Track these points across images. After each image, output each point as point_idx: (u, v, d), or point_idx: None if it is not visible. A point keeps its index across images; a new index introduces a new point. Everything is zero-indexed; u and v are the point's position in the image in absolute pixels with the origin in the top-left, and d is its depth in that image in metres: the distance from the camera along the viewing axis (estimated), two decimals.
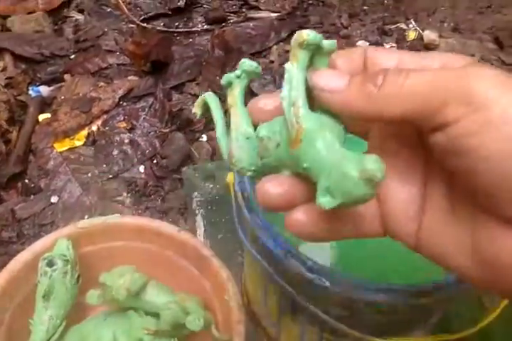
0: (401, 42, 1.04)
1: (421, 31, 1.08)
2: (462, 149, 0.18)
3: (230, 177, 0.41)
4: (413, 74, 0.19)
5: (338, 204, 0.20)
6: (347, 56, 0.23)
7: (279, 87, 0.67)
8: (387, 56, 0.22)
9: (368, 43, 1.03)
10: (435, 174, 0.22)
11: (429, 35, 1.05)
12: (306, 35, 0.21)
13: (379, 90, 0.20)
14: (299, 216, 0.22)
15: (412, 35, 1.09)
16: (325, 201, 0.20)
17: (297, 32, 0.22)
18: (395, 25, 1.11)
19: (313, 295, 0.36)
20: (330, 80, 0.21)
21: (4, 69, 0.93)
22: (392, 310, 0.36)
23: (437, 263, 0.22)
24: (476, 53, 1.01)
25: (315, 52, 0.22)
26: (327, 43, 0.22)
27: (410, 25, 1.11)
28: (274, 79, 0.93)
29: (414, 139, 0.22)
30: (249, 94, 0.89)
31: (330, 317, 0.38)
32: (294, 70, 0.22)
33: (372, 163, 0.18)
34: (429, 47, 1.03)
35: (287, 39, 1.05)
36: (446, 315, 0.42)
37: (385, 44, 1.04)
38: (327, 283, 0.34)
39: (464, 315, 0.41)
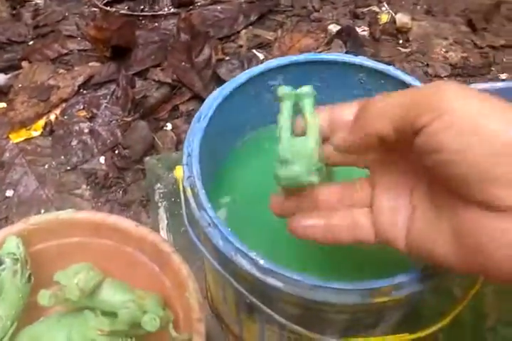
0: (373, 26, 1.02)
1: (393, 14, 1.05)
2: (437, 146, 0.23)
3: (179, 172, 0.39)
4: (394, 94, 0.26)
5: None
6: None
7: None
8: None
9: (339, 27, 1.00)
10: (419, 184, 0.28)
11: (402, 18, 1.03)
12: (282, 91, 0.33)
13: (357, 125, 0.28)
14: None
15: (384, 18, 1.06)
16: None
17: (277, 88, 0.34)
18: (367, 8, 1.09)
19: (267, 295, 0.34)
20: None
21: None
22: (350, 310, 0.34)
23: (425, 259, 0.27)
24: (448, 36, 0.99)
25: (298, 98, 0.33)
26: (305, 90, 0.33)
27: (383, 8, 1.09)
28: (242, 64, 0.90)
29: (402, 164, 0.29)
30: (217, 79, 0.86)
31: (287, 316, 0.36)
32: (281, 119, 0.33)
33: None
34: (401, 30, 1.01)
35: (256, 23, 1.02)
36: (414, 308, 0.40)
37: (357, 28, 1.01)
38: (280, 284, 0.32)
39: (433, 308, 0.40)
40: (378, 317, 0.37)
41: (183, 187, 0.38)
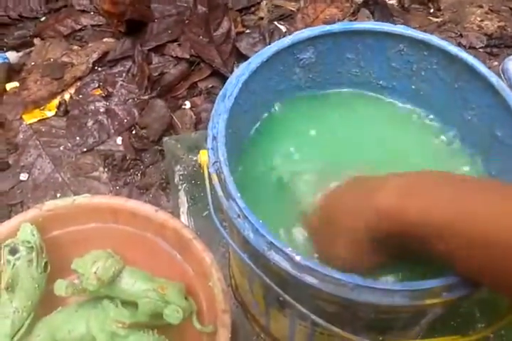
0: None
1: None
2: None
3: (203, 156, 0.35)
4: None
5: None
6: None
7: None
8: None
9: None
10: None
11: None
12: None
13: None
14: None
15: None
16: None
17: None
18: None
19: (301, 292, 0.31)
20: None
21: None
22: (393, 311, 0.31)
23: None
24: (483, 4, 0.92)
25: None
26: None
27: None
28: (264, 37, 0.85)
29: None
30: (237, 54, 0.82)
31: (321, 312, 0.33)
32: None
33: None
34: None
35: None
36: (452, 314, 0.37)
37: None
38: (316, 282, 0.29)
39: (474, 316, 0.37)
40: (419, 319, 0.34)
41: (209, 173, 0.34)
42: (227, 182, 0.33)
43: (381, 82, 0.46)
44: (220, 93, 0.39)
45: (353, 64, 0.45)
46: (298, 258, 0.29)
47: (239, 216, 0.32)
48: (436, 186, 0.30)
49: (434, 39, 0.40)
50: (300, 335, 0.41)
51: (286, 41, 0.41)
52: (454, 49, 0.40)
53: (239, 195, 0.32)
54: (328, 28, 0.41)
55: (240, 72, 0.40)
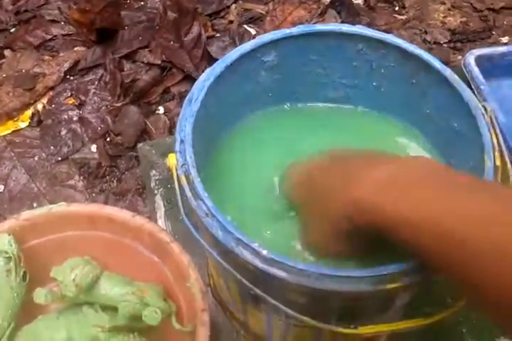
0: None
1: None
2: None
3: (171, 160, 0.36)
4: None
5: None
6: None
7: None
8: None
9: None
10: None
11: None
12: None
13: None
14: None
15: None
16: None
17: None
18: None
19: (271, 285, 0.32)
20: None
21: None
22: (359, 297, 0.32)
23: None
24: (446, 1, 0.95)
25: None
26: None
27: None
28: (234, 40, 0.86)
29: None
30: (208, 58, 0.83)
31: (293, 304, 0.34)
32: None
33: None
34: None
35: None
36: (425, 293, 0.38)
37: None
38: (284, 274, 0.30)
39: (442, 293, 0.38)
40: (387, 304, 0.35)
41: (177, 175, 0.35)
42: (194, 183, 0.34)
43: (344, 81, 0.47)
44: (187, 98, 0.40)
45: (316, 64, 0.47)
46: (264, 252, 0.30)
47: (207, 215, 0.33)
48: (420, 182, 0.28)
49: (390, 37, 0.42)
50: (277, 329, 0.42)
51: (249, 45, 0.43)
52: (409, 46, 0.42)
53: (206, 194, 0.33)
54: (288, 31, 0.43)
55: (205, 77, 0.41)
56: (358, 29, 0.43)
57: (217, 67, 0.41)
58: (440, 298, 0.39)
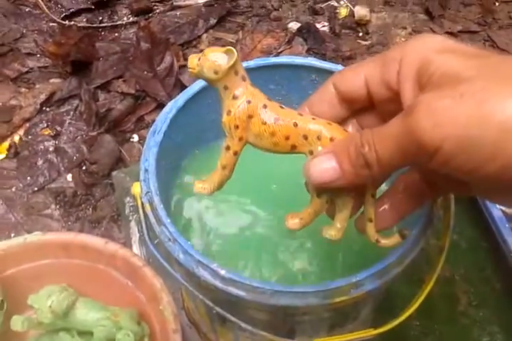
0: (333, 21, 1.02)
1: (352, 7, 1.06)
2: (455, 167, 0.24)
3: (136, 188, 0.38)
4: (376, 140, 0.25)
5: None
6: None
7: None
8: (353, 77, 0.30)
9: (299, 24, 1.00)
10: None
11: (360, 10, 1.03)
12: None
13: (369, 170, 0.25)
14: None
15: (343, 12, 1.07)
16: None
17: None
18: (326, 3, 1.09)
19: (233, 304, 0.35)
20: (323, 175, 0.27)
21: None
22: (314, 311, 0.34)
23: None
24: (407, 26, 1.00)
25: None
26: None
27: (341, 2, 1.09)
28: None
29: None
30: (181, 86, 0.86)
31: (256, 322, 0.36)
32: None
33: None
34: (360, 23, 1.01)
35: (217, 26, 1.01)
36: (381, 304, 0.41)
37: (317, 24, 1.02)
38: (242, 293, 0.33)
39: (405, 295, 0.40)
40: (345, 316, 0.37)
41: (142, 203, 0.38)
42: (158, 210, 0.36)
43: None
44: (151, 129, 0.43)
45: (275, 93, 0.50)
46: (222, 272, 0.32)
47: (169, 239, 0.35)
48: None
49: (340, 68, 0.45)
50: None
51: None
52: None
53: (169, 220, 0.35)
54: (245, 64, 0.46)
55: (168, 109, 0.44)
56: (310, 60, 0.46)
57: (180, 100, 0.44)
58: (389, 308, 0.41)
